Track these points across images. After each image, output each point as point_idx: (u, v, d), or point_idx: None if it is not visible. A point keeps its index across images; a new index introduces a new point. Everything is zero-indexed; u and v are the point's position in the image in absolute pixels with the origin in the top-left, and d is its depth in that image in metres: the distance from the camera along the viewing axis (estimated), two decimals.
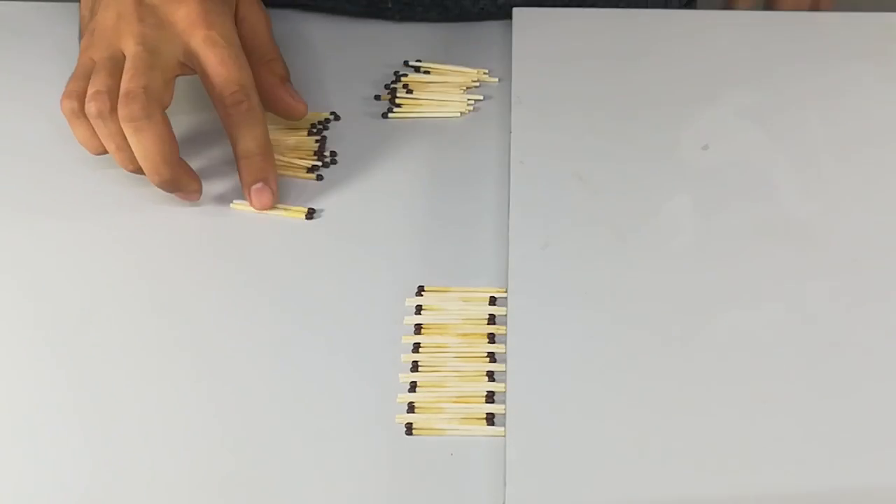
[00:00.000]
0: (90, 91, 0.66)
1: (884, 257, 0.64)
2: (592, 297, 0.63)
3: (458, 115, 0.73)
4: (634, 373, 0.60)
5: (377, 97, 0.74)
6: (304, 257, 0.66)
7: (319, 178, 0.69)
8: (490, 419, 0.59)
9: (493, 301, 0.63)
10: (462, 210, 0.68)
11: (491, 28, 0.78)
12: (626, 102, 0.72)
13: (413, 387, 0.60)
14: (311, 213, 0.67)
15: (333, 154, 0.71)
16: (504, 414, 0.59)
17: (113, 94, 0.65)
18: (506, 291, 0.64)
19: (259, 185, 0.67)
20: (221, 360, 0.61)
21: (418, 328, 0.62)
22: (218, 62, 0.66)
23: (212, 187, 0.69)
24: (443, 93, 0.73)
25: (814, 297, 0.62)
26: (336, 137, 0.72)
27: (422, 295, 0.64)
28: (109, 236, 0.67)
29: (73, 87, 0.67)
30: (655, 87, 0.72)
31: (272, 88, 0.70)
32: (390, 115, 0.73)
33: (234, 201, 0.68)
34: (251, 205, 0.67)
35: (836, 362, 0.60)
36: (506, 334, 0.62)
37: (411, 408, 0.59)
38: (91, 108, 0.65)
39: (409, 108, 0.73)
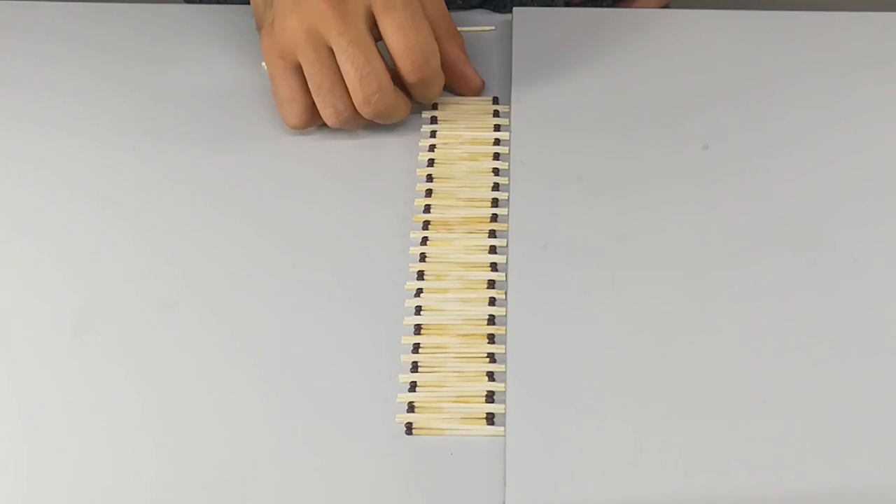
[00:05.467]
0: (327, 110, 0.68)
1: (884, 257, 0.64)
2: (592, 297, 0.63)
3: None
4: (634, 373, 0.60)
5: None
6: (303, 256, 0.66)
7: None
8: (490, 419, 0.59)
9: (492, 302, 0.63)
10: None
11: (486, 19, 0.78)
12: (627, 102, 0.72)
13: (413, 387, 0.60)
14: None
15: None
16: (504, 413, 0.59)
17: (348, 102, 0.67)
18: (505, 292, 0.64)
19: None
20: (220, 361, 0.61)
21: (418, 329, 0.62)
22: (395, 28, 0.66)
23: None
24: None
25: (814, 297, 0.62)
26: None
27: (420, 296, 0.64)
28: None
29: (293, 107, 0.68)
30: (655, 87, 0.72)
31: (458, 63, 0.71)
32: None
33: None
34: None
35: (836, 362, 0.60)
36: (506, 334, 0.62)
37: (411, 407, 0.59)
38: (334, 121, 0.68)
39: None
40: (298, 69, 0.68)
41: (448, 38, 0.71)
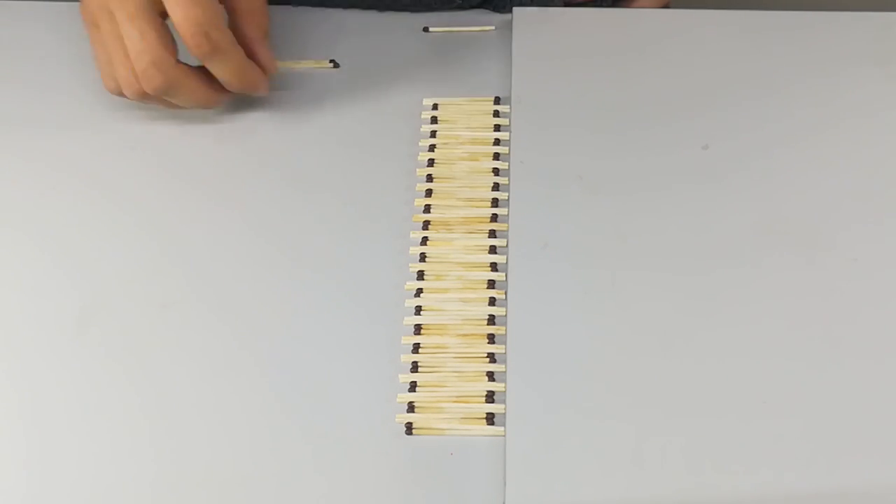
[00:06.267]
0: (108, 82, 0.68)
1: (884, 257, 0.64)
2: (592, 297, 0.63)
3: None
4: (634, 372, 0.60)
5: None
6: (303, 255, 0.66)
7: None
8: (490, 419, 0.59)
9: (492, 301, 0.63)
10: None
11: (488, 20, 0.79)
12: (627, 102, 0.72)
13: (413, 387, 0.60)
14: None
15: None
16: (504, 413, 0.59)
17: (127, 75, 0.66)
18: (505, 292, 0.64)
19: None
20: (220, 360, 0.61)
21: (418, 329, 0.62)
22: (174, 1, 0.64)
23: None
24: None
25: (814, 297, 0.62)
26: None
27: (420, 296, 0.64)
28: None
29: (105, 73, 0.68)
30: (655, 87, 0.72)
31: (250, 43, 0.69)
32: None
33: None
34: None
35: (836, 362, 0.60)
36: (505, 334, 0.62)
37: (411, 407, 0.59)
38: (118, 92, 0.68)
39: None
40: None
41: (244, 14, 0.69)
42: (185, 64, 0.67)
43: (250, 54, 0.69)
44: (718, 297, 0.63)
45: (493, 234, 0.66)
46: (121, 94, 0.69)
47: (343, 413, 0.59)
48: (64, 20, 0.78)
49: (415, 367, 0.61)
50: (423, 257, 0.65)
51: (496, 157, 0.70)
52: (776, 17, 0.76)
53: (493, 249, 0.66)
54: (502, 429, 0.59)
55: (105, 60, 0.68)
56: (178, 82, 0.67)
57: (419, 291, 0.64)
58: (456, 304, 0.64)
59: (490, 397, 0.60)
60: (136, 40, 0.65)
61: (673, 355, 0.60)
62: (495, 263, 0.65)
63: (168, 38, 0.66)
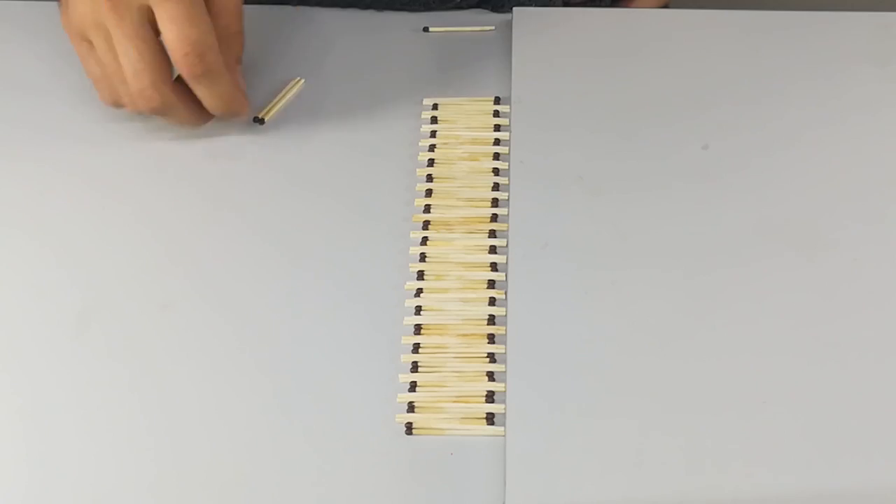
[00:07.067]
0: (107, 97, 0.68)
1: (884, 257, 0.64)
2: (592, 296, 0.63)
3: None
4: (634, 372, 0.60)
5: None
6: (303, 256, 0.66)
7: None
8: (490, 419, 0.59)
9: (492, 301, 0.63)
10: None
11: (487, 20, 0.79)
12: (627, 102, 0.72)
13: (413, 386, 0.60)
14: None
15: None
16: (504, 413, 0.59)
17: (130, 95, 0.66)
18: (505, 292, 0.64)
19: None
20: (221, 360, 0.61)
21: (418, 329, 0.62)
22: (168, 18, 0.63)
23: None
24: None
25: (813, 297, 0.62)
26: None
27: (420, 296, 0.64)
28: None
29: (101, 86, 0.68)
30: (656, 87, 0.72)
31: (227, 69, 0.67)
32: None
33: None
34: None
35: (835, 362, 0.60)
36: (506, 334, 0.62)
37: (411, 407, 0.59)
38: (129, 108, 0.68)
39: None
40: None
41: (221, 40, 0.66)
42: (179, 84, 0.67)
43: None
44: (718, 297, 0.63)
45: (493, 234, 0.66)
46: (119, 106, 0.69)
47: (343, 413, 0.59)
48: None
49: (415, 367, 0.61)
50: (423, 257, 0.65)
51: (496, 157, 0.70)
52: (776, 17, 0.76)
53: (493, 249, 0.66)
54: (502, 429, 0.59)
55: (101, 75, 0.67)
56: (173, 103, 0.67)
57: (419, 291, 0.64)
58: (456, 304, 0.64)
59: (490, 397, 0.60)
60: (135, 60, 0.64)
61: (673, 355, 0.60)
62: (495, 263, 0.65)
63: (164, 58, 0.65)
